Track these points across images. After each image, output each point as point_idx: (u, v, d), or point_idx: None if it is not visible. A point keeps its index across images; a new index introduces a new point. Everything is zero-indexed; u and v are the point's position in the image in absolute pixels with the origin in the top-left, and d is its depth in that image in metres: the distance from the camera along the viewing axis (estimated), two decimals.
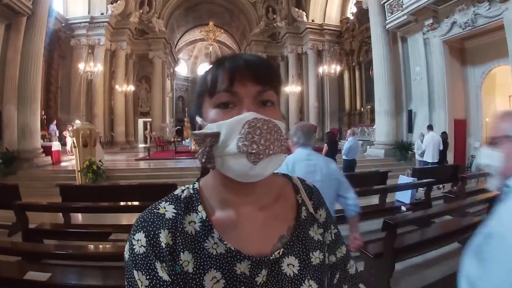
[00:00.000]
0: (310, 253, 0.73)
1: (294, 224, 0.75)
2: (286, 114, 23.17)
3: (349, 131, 9.67)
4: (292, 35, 22.58)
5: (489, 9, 9.68)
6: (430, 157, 9.44)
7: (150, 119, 22.68)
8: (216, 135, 0.63)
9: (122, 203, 5.05)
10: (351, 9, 20.54)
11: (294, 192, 0.82)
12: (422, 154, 9.85)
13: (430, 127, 10.08)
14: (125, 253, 0.66)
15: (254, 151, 0.61)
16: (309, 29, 21.45)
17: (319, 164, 2.54)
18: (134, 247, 0.64)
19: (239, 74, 0.64)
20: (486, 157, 1.28)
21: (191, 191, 0.73)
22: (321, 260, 0.75)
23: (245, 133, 0.61)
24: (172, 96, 31.43)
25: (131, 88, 20.94)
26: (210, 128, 0.64)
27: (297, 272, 0.70)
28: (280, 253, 0.70)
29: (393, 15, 13.16)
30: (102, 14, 18.25)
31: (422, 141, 10.08)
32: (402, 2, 12.28)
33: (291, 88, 21.67)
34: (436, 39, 11.72)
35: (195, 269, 0.64)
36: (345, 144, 9.06)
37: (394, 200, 6.24)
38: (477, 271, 1.02)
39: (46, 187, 8.57)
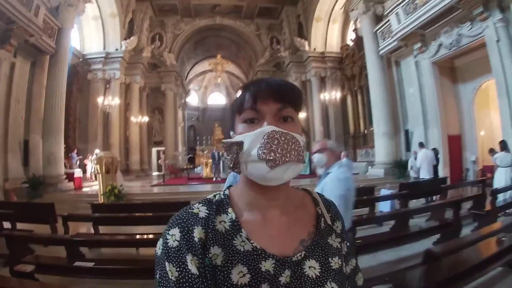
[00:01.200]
0: (330, 258, 0.78)
1: (314, 231, 0.81)
2: None
3: (342, 153, 10.34)
4: (296, 63, 23.24)
5: (471, 28, 10.22)
6: (427, 173, 9.75)
7: (164, 148, 23.29)
8: (240, 144, 0.73)
9: (138, 214, 5.96)
10: (351, 35, 21.18)
11: (313, 204, 0.88)
12: (417, 171, 10.24)
13: (421, 145, 10.50)
14: (157, 248, 0.72)
15: (271, 158, 0.68)
16: (312, 57, 22.06)
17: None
18: (168, 241, 0.70)
19: (261, 94, 0.74)
20: (317, 158, 2.73)
21: (222, 196, 0.80)
22: (339, 265, 0.80)
23: (264, 143, 0.69)
24: (184, 126, 32.19)
25: (145, 119, 21.77)
26: (236, 138, 0.75)
27: (318, 274, 0.74)
28: (302, 256, 0.75)
29: (385, 42, 13.86)
30: (116, 49, 19.26)
31: (415, 159, 10.48)
32: (392, 29, 12.90)
33: None
34: (425, 61, 12.27)
35: (223, 262, 0.69)
36: None
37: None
38: None
39: (71, 209, 9.32)
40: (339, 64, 22.12)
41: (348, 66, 20.92)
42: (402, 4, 12.10)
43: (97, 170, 10.41)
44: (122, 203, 8.92)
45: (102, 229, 6.78)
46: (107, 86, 19.07)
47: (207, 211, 0.75)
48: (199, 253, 0.69)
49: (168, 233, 0.71)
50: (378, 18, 14.54)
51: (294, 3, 23.30)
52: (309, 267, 0.74)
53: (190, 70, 31.79)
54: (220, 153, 16.86)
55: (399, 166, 13.20)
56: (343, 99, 21.08)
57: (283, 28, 24.62)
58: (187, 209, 0.76)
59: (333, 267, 0.77)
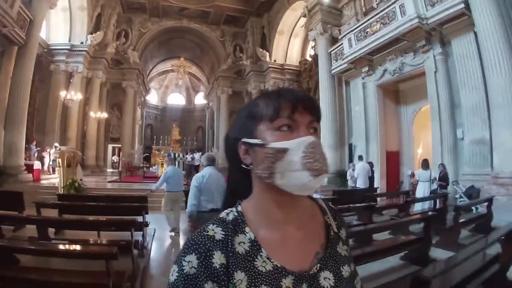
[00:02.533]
0: (341, 267, 0.79)
1: (325, 242, 0.81)
2: None
3: None
4: (256, 72, 24.28)
5: (414, 58, 11.34)
6: (363, 183, 10.88)
7: (120, 145, 23.36)
8: (284, 151, 0.70)
9: (100, 203, 6.83)
10: (310, 51, 22.18)
11: (321, 213, 0.88)
12: (354, 181, 11.33)
13: (360, 158, 11.68)
14: (170, 275, 0.69)
15: (317, 168, 0.68)
16: (271, 68, 23.23)
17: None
18: (184, 268, 0.67)
19: (300, 105, 0.74)
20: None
21: (236, 214, 0.77)
22: (349, 273, 0.81)
23: (309, 152, 0.69)
24: (142, 124, 32.15)
25: (104, 115, 21.53)
26: (277, 145, 0.71)
27: (333, 284, 0.75)
28: (318, 268, 0.75)
29: (337, 62, 14.96)
30: (82, 43, 19.12)
31: (353, 170, 11.60)
32: (344, 52, 14.07)
33: None
34: (371, 84, 13.44)
35: (247, 286, 0.67)
36: None
37: None
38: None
39: (31, 200, 9.59)
40: (297, 77, 23.25)
41: (305, 80, 22.02)
42: (355, 31, 13.28)
43: (58, 163, 10.73)
44: (86, 195, 9.43)
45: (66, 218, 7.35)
46: (71, 80, 18.98)
47: (224, 233, 0.73)
48: (221, 280, 0.67)
49: (184, 259, 0.68)
50: (333, 40, 15.63)
51: (260, 15, 24.29)
52: (324, 278, 0.75)
53: (152, 68, 31.90)
54: (176, 154, 17.35)
55: (341, 176, 14.20)
56: None
57: (247, 37, 25.62)
58: (201, 232, 0.72)
59: (344, 276, 0.79)
